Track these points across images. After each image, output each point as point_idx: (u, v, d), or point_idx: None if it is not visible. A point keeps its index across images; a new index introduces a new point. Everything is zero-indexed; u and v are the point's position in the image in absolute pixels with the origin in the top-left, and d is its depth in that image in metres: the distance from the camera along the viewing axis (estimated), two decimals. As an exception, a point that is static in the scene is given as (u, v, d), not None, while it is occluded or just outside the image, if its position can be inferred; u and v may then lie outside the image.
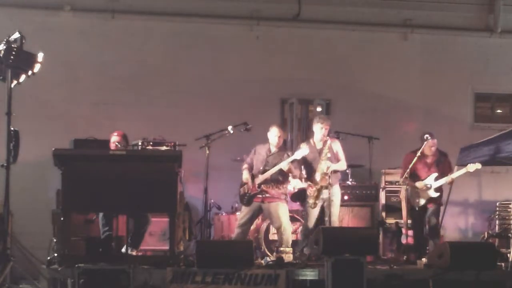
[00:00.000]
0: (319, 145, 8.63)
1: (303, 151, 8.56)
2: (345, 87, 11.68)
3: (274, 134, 8.64)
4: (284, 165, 8.46)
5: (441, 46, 12.11)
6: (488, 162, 9.98)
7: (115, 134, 8.51)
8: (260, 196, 8.58)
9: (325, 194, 8.49)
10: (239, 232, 8.66)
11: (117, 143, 8.31)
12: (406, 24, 12.07)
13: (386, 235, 9.68)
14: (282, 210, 8.58)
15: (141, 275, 7.20)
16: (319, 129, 8.63)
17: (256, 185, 8.56)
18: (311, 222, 8.64)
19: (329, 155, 8.53)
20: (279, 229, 8.57)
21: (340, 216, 8.95)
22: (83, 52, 11.09)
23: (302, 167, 8.78)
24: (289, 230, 8.64)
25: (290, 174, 8.68)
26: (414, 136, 9.43)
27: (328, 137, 8.61)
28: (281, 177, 8.64)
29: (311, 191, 8.58)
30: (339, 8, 11.83)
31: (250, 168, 8.73)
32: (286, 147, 8.83)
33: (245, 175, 8.66)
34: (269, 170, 8.54)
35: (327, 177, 8.40)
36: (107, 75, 11.14)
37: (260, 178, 8.56)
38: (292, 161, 8.50)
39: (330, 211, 8.55)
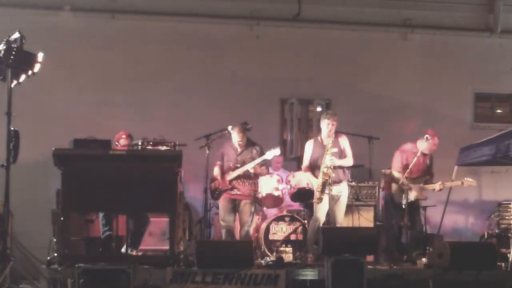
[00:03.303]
0: (326, 141, 8.62)
1: (274, 151, 8.78)
2: (345, 87, 11.68)
3: (236, 140, 8.81)
4: (250, 166, 8.70)
5: (441, 46, 12.11)
6: (488, 162, 9.99)
7: (123, 136, 8.55)
8: (233, 192, 8.75)
9: (333, 191, 8.47)
10: (225, 232, 8.78)
11: (126, 146, 8.37)
12: (406, 24, 12.07)
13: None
14: (250, 209, 8.78)
15: (141, 275, 7.21)
16: (326, 125, 8.61)
17: (227, 181, 8.71)
18: (322, 216, 8.56)
19: (334, 150, 8.51)
20: (242, 227, 8.77)
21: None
22: (83, 52, 11.09)
23: (310, 163, 8.78)
24: (248, 228, 8.78)
25: (258, 173, 8.88)
26: (414, 136, 9.41)
27: (333, 133, 8.58)
28: (252, 174, 8.82)
29: (315, 186, 8.56)
30: (339, 8, 11.83)
31: (222, 166, 8.89)
32: (252, 142, 8.94)
33: (216, 171, 8.85)
34: (239, 167, 8.72)
35: (329, 172, 8.38)
36: (107, 75, 11.14)
37: (231, 175, 8.73)
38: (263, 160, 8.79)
39: (335, 210, 8.56)
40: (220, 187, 8.80)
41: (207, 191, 8.88)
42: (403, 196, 8.84)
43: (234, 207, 8.84)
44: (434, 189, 9.15)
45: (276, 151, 8.86)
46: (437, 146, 9.07)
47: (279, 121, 11.79)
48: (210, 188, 8.89)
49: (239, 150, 8.88)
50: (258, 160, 8.75)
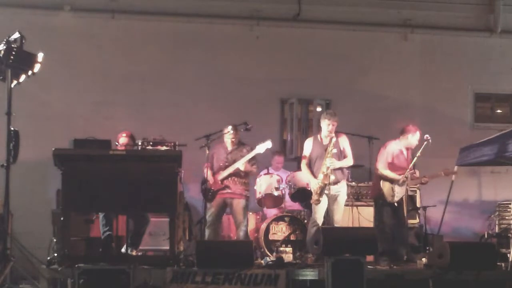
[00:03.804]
0: (326, 141, 8.61)
1: (265, 145, 8.77)
2: (345, 87, 11.68)
3: (228, 137, 8.86)
4: (241, 163, 8.71)
5: (441, 46, 12.11)
6: (488, 162, 9.99)
7: (123, 135, 8.53)
8: (224, 191, 8.80)
9: (332, 190, 8.46)
10: (209, 232, 8.78)
11: (125, 145, 8.36)
12: (406, 24, 12.07)
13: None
14: (243, 208, 8.81)
15: (141, 275, 7.19)
16: (326, 125, 8.59)
17: (219, 181, 8.75)
18: (320, 217, 8.55)
19: (334, 151, 8.50)
20: (238, 227, 8.79)
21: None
22: (83, 52, 11.09)
23: (309, 162, 8.77)
24: (245, 229, 8.82)
25: (249, 172, 8.87)
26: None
27: (333, 134, 8.55)
28: (243, 172, 8.85)
29: (314, 187, 8.56)
30: (339, 8, 11.84)
31: (211, 167, 8.94)
32: (242, 142, 9.00)
33: (207, 172, 8.87)
34: (229, 166, 8.77)
35: (329, 175, 8.38)
36: (107, 75, 11.14)
37: (223, 174, 8.76)
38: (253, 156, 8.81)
39: (333, 209, 8.54)
40: (213, 188, 8.81)
41: (218, 191, 8.88)
42: (395, 195, 8.82)
43: (225, 207, 8.87)
44: (422, 182, 9.13)
45: (268, 144, 8.83)
46: (419, 140, 9.02)
47: (279, 121, 11.79)
48: (201, 190, 8.92)
49: (230, 148, 8.89)
50: (250, 156, 8.74)
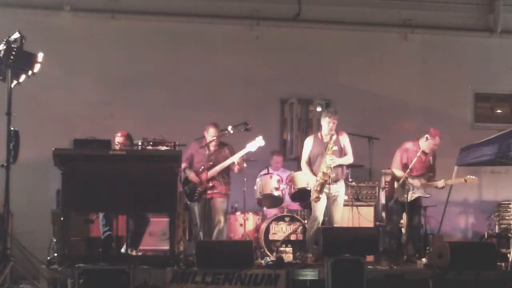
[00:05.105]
0: (326, 139, 8.60)
1: (257, 142, 8.73)
2: (345, 87, 11.67)
3: (211, 135, 8.80)
4: (236, 158, 8.70)
5: (441, 46, 12.11)
6: (488, 162, 9.99)
7: (119, 134, 8.52)
8: (210, 191, 8.76)
9: (331, 191, 8.45)
10: (202, 234, 8.77)
11: (120, 144, 8.35)
12: (406, 24, 12.07)
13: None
14: (224, 207, 8.85)
15: (141, 275, 7.20)
16: (326, 124, 8.57)
17: (205, 181, 8.70)
18: (320, 214, 8.54)
19: (335, 148, 8.49)
20: (217, 224, 8.75)
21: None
22: (83, 52, 11.08)
23: (309, 160, 8.77)
24: (222, 225, 8.80)
25: (235, 168, 8.84)
26: (414, 136, 9.40)
27: (334, 131, 8.55)
28: (226, 173, 8.87)
29: (314, 185, 8.55)
30: (339, 8, 11.84)
31: (190, 168, 8.90)
32: (223, 142, 8.97)
33: (191, 174, 8.83)
34: (215, 166, 8.72)
35: (329, 172, 8.37)
36: (107, 75, 11.13)
37: (209, 174, 8.70)
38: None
39: (332, 209, 8.53)
40: (199, 189, 8.78)
41: (206, 191, 8.86)
42: (405, 194, 8.81)
43: (209, 207, 8.85)
44: (437, 186, 9.10)
45: (259, 142, 8.78)
46: (438, 145, 9.03)
47: (279, 121, 11.79)
48: (185, 192, 8.88)
49: (212, 149, 8.84)
50: (242, 153, 8.73)
